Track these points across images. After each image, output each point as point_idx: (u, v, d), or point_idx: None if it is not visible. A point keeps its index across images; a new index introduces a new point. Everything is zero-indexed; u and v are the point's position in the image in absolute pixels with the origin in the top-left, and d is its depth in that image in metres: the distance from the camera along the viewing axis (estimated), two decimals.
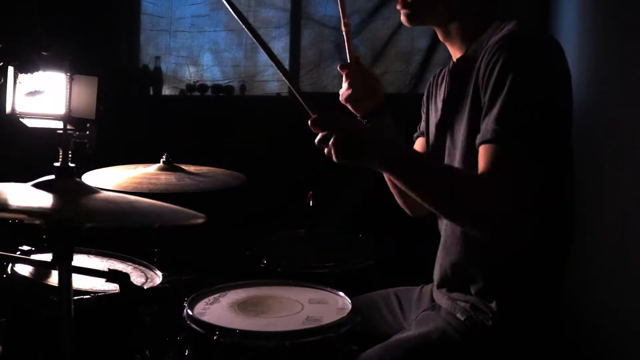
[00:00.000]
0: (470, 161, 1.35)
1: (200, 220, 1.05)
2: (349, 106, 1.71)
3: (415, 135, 1.79)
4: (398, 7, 1.50)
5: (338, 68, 1.70)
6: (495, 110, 1.27)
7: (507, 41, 1.30)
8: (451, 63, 1.56)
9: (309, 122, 1.35)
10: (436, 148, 1.55)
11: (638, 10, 2.13)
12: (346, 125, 1.34)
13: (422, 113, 1.73)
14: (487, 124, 1.28)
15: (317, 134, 1.34)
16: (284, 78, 1.47)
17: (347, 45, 1.70)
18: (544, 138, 1.26)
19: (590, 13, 2.55)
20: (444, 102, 1.53)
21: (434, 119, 1.60)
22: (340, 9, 1.71)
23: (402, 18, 1.52)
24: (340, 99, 1.70)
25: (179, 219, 1.06)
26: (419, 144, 1.76)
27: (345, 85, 1.68)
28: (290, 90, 3.32)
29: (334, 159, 1.32)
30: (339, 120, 1.34)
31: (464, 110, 1.40)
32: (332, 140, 1.31)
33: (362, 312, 1.56)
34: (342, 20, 1.71)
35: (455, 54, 1.53)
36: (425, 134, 1.67)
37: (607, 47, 2.37)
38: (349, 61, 1.69)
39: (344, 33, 1.71)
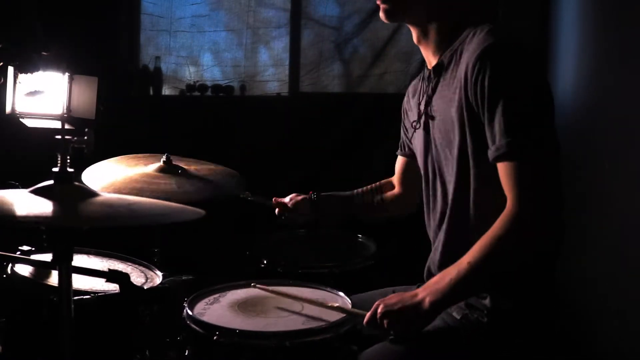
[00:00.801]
0: (463, 173, 1.41)
1: (200, 216, 1.05)
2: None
3: (397, 152, 1.87)
4: (377, 2, 1.51)
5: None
6: (499, 127, 1.31)
7: (494, 50, 1.34)
8: (426, 71, 1.58)
9: (365, 324, 1.44)
10: (425, 152, 1.57)
11: (638, 11, 2.13)
12: (391, 310, 1.40)
13: (403, 124, 1.79)
14: (498, 139, 1.32)
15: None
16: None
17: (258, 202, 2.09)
18: (549, 141, 1.33)
19: (590, 13, 2.55)
20: (428, 110, 1.54)
21: (416, 126, 1.61)
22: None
23: (380, 13, 1.53)
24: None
25: (178, 217, 1.06)
26: (400, 163, 1.87)
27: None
28: (292, 88, 3.33)
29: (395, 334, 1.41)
30: (383, 309, 1.41)
31: (451, 113, 1.43)
32: (387, 325, 1.39)
33: (361, 309, 1.56)
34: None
35: (430, 58, 1.55)
36: (409, 141, 1.72)
37: (607, 48, 2.37)
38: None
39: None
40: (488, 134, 1.34)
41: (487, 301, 1.41)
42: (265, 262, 2.08)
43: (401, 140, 1.84)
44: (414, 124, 1.58)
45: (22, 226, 0.99)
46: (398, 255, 2.51)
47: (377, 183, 2.01)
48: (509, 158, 1.31)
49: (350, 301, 1.61)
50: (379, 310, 1.40)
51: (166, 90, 3.36)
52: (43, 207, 1.01)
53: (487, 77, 1.32)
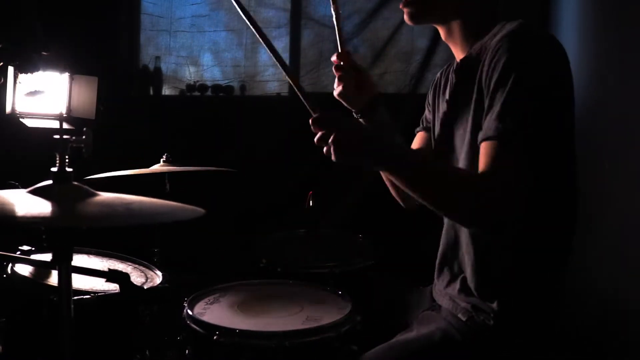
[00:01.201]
0: (474, 160, 1.35)
1: (199, 214, 1.05)
2: (342, 101, 1.73)
3: (417, 129, 1.79)
4: (400, 6, 1.51)
5: (332, 59, 1.72)
6: (496, 108, 1.28)
7: (508, 40, 1.31)
8: (455, 63, 1.56)
9: (310, 121, 1.36)
10: (441, 145, 1.55)
11: (638, 10, 2.13)
12: (345, 125, 1.35)
13: (427, 108, 1.74)
14: (489, 122, 1.29)
15: (317, 133, 1.35)
16: (285, 75, 1.47)
17: (338, 32, 1.72)
18: (544, 137, 1.27)
19: (590, 13, 2.55)
20: (449, 101, 1.53)
21: (439, 116, 1.60)
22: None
23: (405, 17, 1.52)
24: (334, 93, 1.72)
25: (177, 216, 1.06)
26: (419, 138, 1.77)
27: (336, 79, 1.71)
28: (291, 88, 3.32)
29: (333, 158, 1.33)
30: (338, 120, 1.35)
31: (469, 109, 1.40)
32: (330, 139, 1.31)
33: (363, 313, 1.56)
34: (332, 7, 1.70)
35: (458, 53, 1.53)
36: (431, 129, 1.67)
37: (607, 47, 2.37)
38: (339, 50, 1.71)
39: (333, 17, 1.70)
40: (484, 119, 1.31)
41: (494, 304, 1.40)
42: (265, 262, 2.08)
43: (423, 117, 1.78)
44: (443, 117, 1.54)
45: (21, 227, 0.99)
46: (398, 255, 2.51)
47: None
48: (492, 139, 1.27)
49: (350, 301, 1.61)
50: (333, 138, 1.32)
51: (166, 90, 3.36)
52: (42, 207, 1.01)
53: (500, 63, 1.29)
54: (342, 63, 1.70)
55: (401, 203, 1.77)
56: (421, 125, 1.77)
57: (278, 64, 1.44)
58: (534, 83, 1.28)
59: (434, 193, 1.32)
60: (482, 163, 1.29)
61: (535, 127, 1.26)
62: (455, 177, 1.34)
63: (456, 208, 1.31)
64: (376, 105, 1.71)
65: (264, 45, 1.44)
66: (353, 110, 1.73)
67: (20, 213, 0.99)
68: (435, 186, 1.32)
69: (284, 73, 1.47)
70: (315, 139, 1.35)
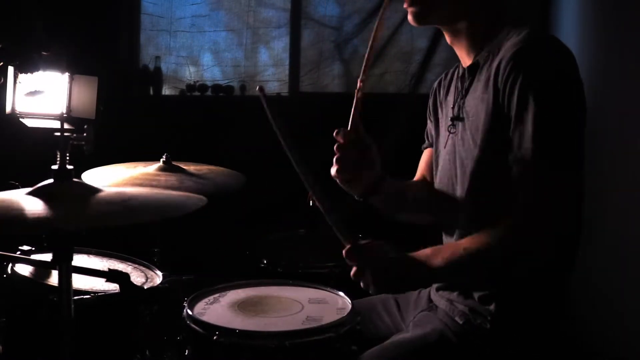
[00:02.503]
0: (489, 166, 1.37)
1: (201, 203, 1.04)
2: (339, 184, 1.59)
3: (423, 146, 1.75)
4: (405, 5, 1.46)
5: (334, 134, 1.52)
6: (527, 129, 1.28)
7: (522, 54, 1.30)
8: (460, 69, 1.52)
9: (344, 253, 1.37)
10: (450, 152, 1.52)
11: (638, 10, 2.13)
12: (379, 261, 1.35)
13: (428, 119, 1.70)
14: (524, 143, 1.29)
15: (352, 265, 1.36)
16: (318, 205, 1.42)
17: (353, 111, 1.52)
18: (576, 151, 1.31)
19: (590, 13, 2.55)
20: (457, 107, 1.50)
21: (445, 124, 1.56)
22: (365, 62, 1.51)
23: (409, 17, 1.47)
24: (331, 173, 1.57)
25: (178, 210, 1.06)
26: (426, 155, 1.73)
27: (335, 159, 1.53)
28: (292, 88, 3.33)
29: (370, 291, 1.36)
30: (371, 252, 1.36)
31: (481, 116, 1.38)
32: (366, 275, 1.34)
33: (361, 314, 1.55)
34: (359, 80, 1.51)
35: (464, 58, 1.50)
36: (434, 138, 1.63)
37: (607, 47, 2.37)
38: (348, 127, 1.51)
39: (355, 97, 1.51)
40: (514, 138, 1.31)
41: (492, 307, 1.40)
42: (265, 262, 2.08)
43: (426, 130, 1.73)
44: (450, 125, 1.51)
45: (23, 231, 0.99)
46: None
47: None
48: (528, 164, 1.28)
49: (350, 301, 1.60)
50: (369, 275, 1.34)
51: (166, 90, 3.36)
52: (42, 210, 1.01)
53: (518, 81, 1.28)
54: (346, 141, 1.50)
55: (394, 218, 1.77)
56: (427, 142, 1.73)
57: (304, 181, 1.45)
58: (559, 99, 1.29)
59: (489, 270, 1.36)
60: (518, 188, 1.30)
61: (569, 144, 1.30)
62: (490, 236, 1.32)
63: (514, 261, 1.34)
64: (379, 186, 1.58)
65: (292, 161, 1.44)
66: (353, 194, 1.62)
67: (22, 217, 0.99)
68: (481, 266, 1.34)
69: (315, 200, 1.44)
70: (352, 274, 1.37)
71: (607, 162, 2.27)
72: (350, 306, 1.57)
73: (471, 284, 1.40)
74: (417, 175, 1.77)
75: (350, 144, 1.50)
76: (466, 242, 1.34)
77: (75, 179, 1.11)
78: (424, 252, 1.37)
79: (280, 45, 3.33)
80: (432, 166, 1.65)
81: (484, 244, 1.32)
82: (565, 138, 1.29)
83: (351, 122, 1.51)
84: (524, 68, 1.29)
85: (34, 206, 1.02)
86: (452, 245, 1.37)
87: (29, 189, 1.08)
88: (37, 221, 0.97)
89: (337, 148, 1.51)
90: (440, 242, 1.58)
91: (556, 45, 1.35)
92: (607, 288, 2.28)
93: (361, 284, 1.35)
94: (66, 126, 1.78)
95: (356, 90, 1.50)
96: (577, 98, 1.33)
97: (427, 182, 1.72)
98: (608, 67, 2.35)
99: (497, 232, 1.31)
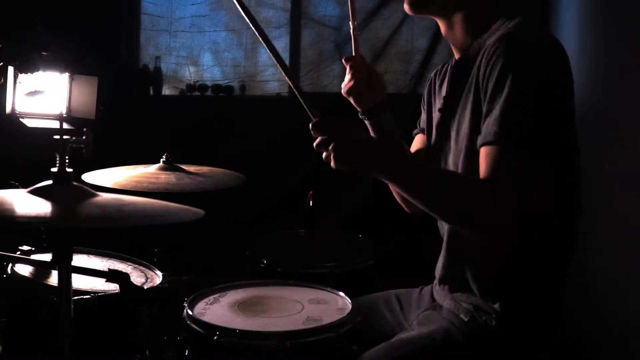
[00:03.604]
0: (473, 162, 1.35)
1: (199, 216, 1.05)
2: (350, 99, 1.71)
3: (414, 132, 1.78)
4: None
5: (343, 60, 1.70)
6: (495, 112, 1.27)
7: (505, 42, 1.30)
8: (453, 60, 1.55)
9: (310, 125, 1.34)
10: (437, 146, 1.54)
11: (638, 10, 2.13)
12: (346, 132, 1.33)
13: (422, 109, 1.73)
14: (488, 126, 1.28)
15: (316, 138, 1.34)
16: (285, 77, 1.45)
17: (355, 45, 1.72)
18: (544, 140, 1.27)
19: (590, 13, 2.55)
20: (446, 100, 1.52)
21: (435, 116, 1.59)
22: (350, 12, 1.71)
23: (405, 6, 1.49)
24: (342, 91, 1.70)
25: (173, 218, 1.06)
26: (418, 141, 1.75)
27: (348, 77, 1.68)
28: (291, 90, 3.33)
29: (332, 164, 1.32)
30: (338, 126, 1.33)
31: (466, 111, 1.40)
32: (330, 146, 1.30)
33: (363, 313, 1.55)
34: (351, 24, 1.72)
35: (457, 50, 1.52)
36: (426, 130, 1.66)
37: (607, 47, 2.37)
38: (354, 54, 1.70)
39: (352, 36, 1.73)
40: (483, 120, 1.30)
41: (497, 305, 1.40)
42: (265, 262, 2.08)
43: (420, 118, 1.76)
44: (440, 119, 1.53)
45: (20, 227, 0.99)
46: (398, 256, 2.51)
47: None
48: (493, 144, 1.26)
49: (350, 301, 1.61)
50: (333, 145, 1.31)
51: (166, 90, 3.36)
52: (41, 207, 1.01)
53: (497, 66, 1.28)
54: (355, 61, 1.69)
55: (405, 208, 1.76)
56: (418, 127, 1.76)
57: (278, 65, 1.43)
58: (532, 85, 1.27)
59: (435, 200, 1.32)
60: (482, 168, 1.29)
61: (535, 130, 1.26)
62: (456, 183, 1.33)
63: (459, 214, 1.31)
64: (384, 108, 1.69)
65: (265, 45, 1.43)
66: (359, 109, 1.71)
67: (20, 213, 0.99)
68: (436, 193, 1.32)
69: (284, 74, 1.45)
70: (315, 144, 1.34)
71: (607, 162, 2.27)
72: (350, 306, 1.57)
73: (414, 203, 1.35)
74: None
75: (359, 62, 1.68)
76: (437, 168, 1.38)
77: (74, 182, 1.11)
78: (399, 145, 1.42)
79: (280, 45, 3.33)
80: (422, 151, 1.71)
81: (448, 181, 1.33)
82: (532, 123, 1.26)
83: (355, 49, 1.72)
84: (504, 53, 1.28)
85: (31, 203, 1.02)
86: (422, 160, 1.41)
87: (28, 189, 1.08)
88: (32, 217, 0.97)
89: (349, 67, 1.69)
90: (439, 236, 1.59)
91: (543, 35, 1.36)
92: (607, 288, 2.28)
93: (323, 156, 1.33)
94: (66, 126, 1.78)
95: (352, 31, 1.73)
96: (557, 87, 1.31)
97: None
98: (608, 67, 2.35)
99: (464, 186, 1.31)
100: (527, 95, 1.26)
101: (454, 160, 1.46)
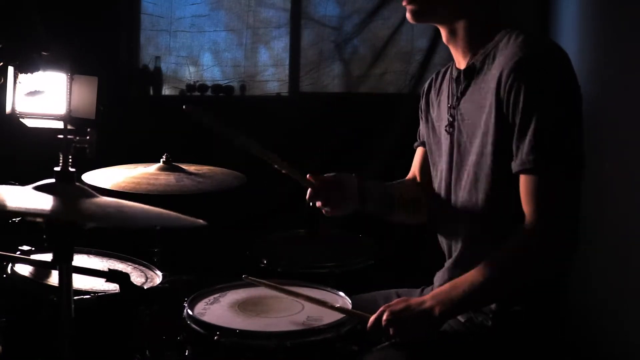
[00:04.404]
0: (498, 177, 1.38)
1: (198, 225, 1.05)
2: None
3: (415, 144, 1.76)
4: (403, 3, 1.47)
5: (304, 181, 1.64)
6: (529, 139, 1.30)
7: (529, 62, 1.31)
8: (455, 70, 1.52)
9: (367, 328, 1.42)
10: (449, 155, 1.52)
11: (638, 11, 2.13)
12: (395, 317, 1.38)
13: (420, 119, 1.71)
14: (525, 153, 1.30)
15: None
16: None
17: (294, 174, 1.66)
18: (578, 156, 1.32)
19: (590, 13, 2.55)
20: (453, 111, 1.50)
21: (440, 125, 1.56)
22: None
23: (408, 15, 1.48)
24: (323, 212, 1.67)
25: (170, 222, 1.06)
26: (419, 154, 1.75)
27: (319, 204, 1.65)
28: (291, 88, 3.32)
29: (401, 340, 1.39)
30: (391, 317, 1.38)
31: (488, 129, 1.38)
32: (392, 333, 1.38)
33: (363, 310, 1.55)
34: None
35: (459, 59, 1.50)
36: (428, 140, 1.64)
37: (607, 48, 2.37)
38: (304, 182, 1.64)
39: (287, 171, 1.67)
40: (516, 146, 1.32)
41: (493, 305, 1.40)
42: (265, 262, 2.08)
43: (419, 130, 1.75)
44: (447, 127, 1.52)
45: (18, 217, 0.99)
46: (398, 256, 2.51)
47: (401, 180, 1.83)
48: (533, 172, 1.30)
49: (350, 301, 1.60)
50: (385, 317, 1.38)
51: (166, 90, 3.36)
52: (42, 201, 1.01)
53: (522, 92, 1.30)
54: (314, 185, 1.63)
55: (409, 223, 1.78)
56: (418, 140, 1.74)
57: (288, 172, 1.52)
58: (561, 106, 1.31)
59: (505, 290, 1.37)
60: (526, 201, 1.32)
61: (571, 150, 1.31)
62: (508, 254, 1.35)
63: (528, 273, 1.35)
64: (365, 199, 1.65)
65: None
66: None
67: (21, 205, 0.99)
68: (501, 286, 1.36)
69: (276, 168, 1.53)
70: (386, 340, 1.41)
71: (607, 162, 2.27)
72: (350, 306, 1.57)
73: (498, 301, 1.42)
74: (409, 174, 1.80)
75: (318, 188, 1.63)
76: (478, 274, 1.35)
77: (77, 183, 1.11)
78: (440, 292, 1.40)
79: (280, 45, 3.32)
80: (423, 165, 1.70)
81: (503, 264, 1.34)
82: (568, 145, 1.31)
83: (303, 179, 1.64)
84: (526, 79, 1.30)
85: (34, 197, 1.02)
86: (469, 276, 1.36)
87: (32, 185, 1.09)
88: (34, 210, 0.97)
89: (309, 198, 1.64)
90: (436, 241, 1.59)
91: (555, 53, 1.36)
92: (607, 288, 2.28)
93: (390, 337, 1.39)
94: (68, 127, 1.78)
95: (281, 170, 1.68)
96: (577, 104, 1.35)
97: (415, 182, 1.76)
98: (608, 67, 2.35)
99: (514, 248, 1.34)
100: (559, 116, 1.30)
101: (465, 167, 1.45)
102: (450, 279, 1.48)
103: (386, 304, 1.41)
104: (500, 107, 1.34)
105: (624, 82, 2.21)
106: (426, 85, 1.68)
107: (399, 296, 1.71)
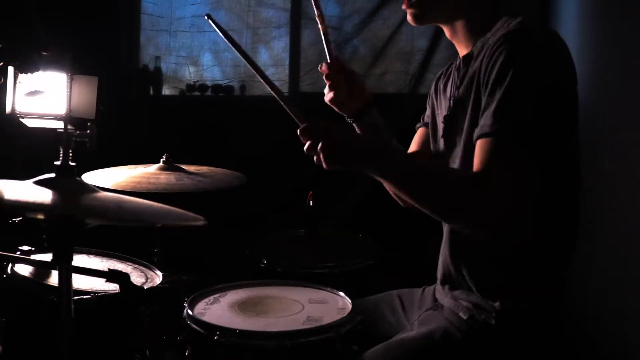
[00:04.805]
0: (470, 158, 1.33)
1: (199, 223, 1.05)
2: (334, 107, 1.71)
3: (417, 125, 1.79)
4: (403, 6, 1.50)
5: (319, 68, 1.67)
6: (492, 105, 1.27)
7: (507, 38, 1.31)
8: (458, 60, 1.56)
9: (298, 131, 1.35)
10: (444, 143, 1.54)
11: (638, 11, 2.13)
12: (333, 133, 1.33)
13: (427, 105, 1.73)
14: (485, 119, 1.28)
15: (305, 143, 1.34)
16: (269, 88, 1.45)
17: (326, 43, 1.68)
18: (542, 135, 1.26)
19: (590, 12, 2.55)
20: (450, 99, 1.53)
21: (440, 114, 1.59)
22: (313, 3, 1.65)
23: (409, 18, 1.51)
24: (325, 99, 1.70)
25: (170, 219, 1.06)
26: (419, 134, 1.77)
27: (327, 88, 1.68)
28: (291, 89, 3.33)
29: (324, 166, 1.32)
30: (326, 128, 1.33)
31: (467, 108, 1.40)
32: (319, 147, 1.30)
33: (364, 314, 1.55)
34: (315, 12, 1.65)
35: (462, 50, 1.53)
36: (430, 126, 1.67)
37: (607, 47, 2.37)
38: (328, 60, 1.67)
39: (320, 29, 1.66)
40: (481, 116, 1.30)
41: (497, 304, 1.40)
42: (265, 262, 2.08)
43: (424, 114, 1.76)
44: (445, 117, 1.53)
45: (17, 211, 0.99)
46: (398, 256, 2.51)
47: None
48: (488, 136, 1.26)
49: (350, 301, 1.61)
50: (323, 143, 1.31)
51: (166, 90, 3.36)
52: (42, 195, 1.01)
53: (499, 61, 1.28)
54: (331, 71, 1.67)
55: (400, 203, 1.76)
56: (421, 122, 1.77)
57: (258, 76, 1.44)
58: (532, 80, 1.26)
59: (426, 195, 1.30)
60: (476, 161, 1.28)
61: (532, 125, 1.25)
62: (447, 177, 1.33)
63: (449, 209, 1.30)
64: (368, 109, 1.70)
65: (243, 59, 1.45)
66: (345, 115, 1.73)
67: (17, 198, 0.99)
68: (426, 187, 1.31)
69: (265, 84, 1.45)
70: (305, 149, 1.34)
71: (607, 162, 2.27)
72: (350, 306, 1.57)
73: (407, 198, 1.35)
74: (408, 152, 1.80)
75: (336, 71, 1.66)
76: (427, 162, 1.37)
77: (77, 178, 1.12)
78: (388, 142, 1.42)
79: (280, 45, 3.32)
80: (423, 145, 1.73)
81: (438, 175, 1.33)
82: (531, 120, 1.24)
83: (329, 54, 1.67)
84: (506, 49, 1.29)
85: (33, 192, 1.02)
86: (409, 155, 1.40)
87: (33, 179, 1.09)
88: (34, 204, 0.97)
89: (326, 77, 1.67)
90: (440, 236, 1.59)
91: (546, 31, 1.35)
92: (607, 287, 2.28)
93: (314, 159, 1.33)
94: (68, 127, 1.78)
95: (320, 25, 1.66)
96: (559, 85, 1.30)
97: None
98: (608, 66, 2.35)
99: (456, 181, 1.31)
100: (526, 89, 1.26)
101: (454, 158, 1.46)
102: (446, 258, 1.51)
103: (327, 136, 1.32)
104: (478, 81, 1.35)
105: (624, 82, 2.21)
106: (439, 73, 1.70)
107: (399, 297, 1.72)
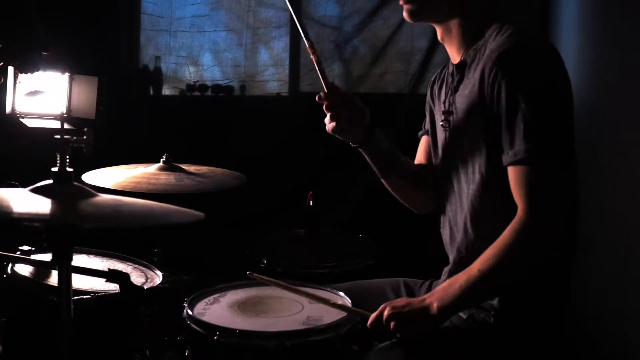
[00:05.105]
0: (490, 170, 1.39)
1: (198, 219, 1.05)
2: (337, 137, 1.64)
3: (420, 133, 1.78)
4: (400, 2, 1.51)
5: (316, 99, 1.62)
6: (518, 132, 1.31)
7: (503, 58, 1.33)
8: (450, 66, 1.56)
9: (369, 324, 1.42)
10: (444, 149, 1.56)
11: (638, 11, 2.13)
12: (397, 305, 1.40)
13: (426, 112, 1.73)
14: (515, 145, 1.31)
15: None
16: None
17: (320, 72, 1.62)
18: (565, 145, 1.33)
19: (590, 12, 2.55)
20: (446, 107, 1.53)
21: (438, 120, 1.59)
22: (302, 36, 1.65)
23: (405, 14, 1.52)
24: (327, 130, 1.63)
25: (173, 219, 1.06)
26: (423, 144, 1.77)
27: (327, 118, 1.61)
28: (291, 88, 3.32)
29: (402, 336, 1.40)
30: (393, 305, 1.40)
31: (474, 121, 1.41)
32: (389, 323, 1.37)
33: (366, 296, 1.56)
34: (306, 43, 1.64)
35: (454, 55, 1.53)
36: (430, 134, 1.67)
37: (607, 48, 2.37)
38: (325, 90, 1.61)
39: (312, 59, 1.63)
40: (505, 138, 1.33)
41: (495, 302, 1.41)
42: (265, 262, 2.08)
43: (424, 123, 1.76)
44: (442, 122, 1.54)
45: (18, 222, 0.99)
46: (398, 256, 2.51)
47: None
48: (525, 163, 1.31)
49: (350, 301, 1.60)
50: (386, 313, 1.38)
51: (166, 90, 3.36)
52: (40, 205, 1.01)
53: (504, 82, 1.32)
54: (329, 101, 1.60)
55: (414, 210, 1.77)
56: (423, 129, 1.76)
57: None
58: (545, 99, 1.31)
59: (501, 280, 1.36)
60: (520, 191, 1.32)
61: (558, 139, 1.32)
62: (502, 251, 1.33)
63: (522, 265, 1.35)
64: (372, 135, 1.63)
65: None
66: (350, 142, 1.66)
67: (19, 210, 0.99)
68: (498, 272, 1.34)
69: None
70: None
71: (607, 162, 2.28)
72: (350, 306, 1.57)
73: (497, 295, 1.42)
74: (415, 162, 1.80)
75: (334, 100, 1.60)
76: (479, 263, 1.35)
77: (75, 182, 1.11)
78: (439, 289, 1.41)
79: (280, 45, 3.32)
80: (429, 154, 1.72)
81: (498, 257, 1.33)
82: (557, 136, 1.32)
83: (324, 83, 1.62)
84: (506, 70, 1.33)
85: (31, 201, 1.02)
86: (466, 272, 1.37)
87: (29, 187, 1.09)
88: (32, 214, 0.97)
89: (325, 109, 1.61)
90: (440, 236, 1.59)
91: (540, 47, 1.39)
92: (607, 287, 2.28)
93: (391, 328, 1.40)
94: (66, 126, 1.78)
95: (312, 56, 1.63)
96: (565, 99, 1.36)
97: (421, 166, 1.76)
98: (608, 66, 2.35)
99: (508, 240, 1.33)
100: (541, 108, 1.31)
101: (460, 159, 1.47)
102: (450, 275, 1.50)
103: (387, 302, 1.42)
104: (483, 100, 1.37)
105: (624, 82, 2.21)
106: (433, 78, 1.71)
107: (406, 285, 1.71)
